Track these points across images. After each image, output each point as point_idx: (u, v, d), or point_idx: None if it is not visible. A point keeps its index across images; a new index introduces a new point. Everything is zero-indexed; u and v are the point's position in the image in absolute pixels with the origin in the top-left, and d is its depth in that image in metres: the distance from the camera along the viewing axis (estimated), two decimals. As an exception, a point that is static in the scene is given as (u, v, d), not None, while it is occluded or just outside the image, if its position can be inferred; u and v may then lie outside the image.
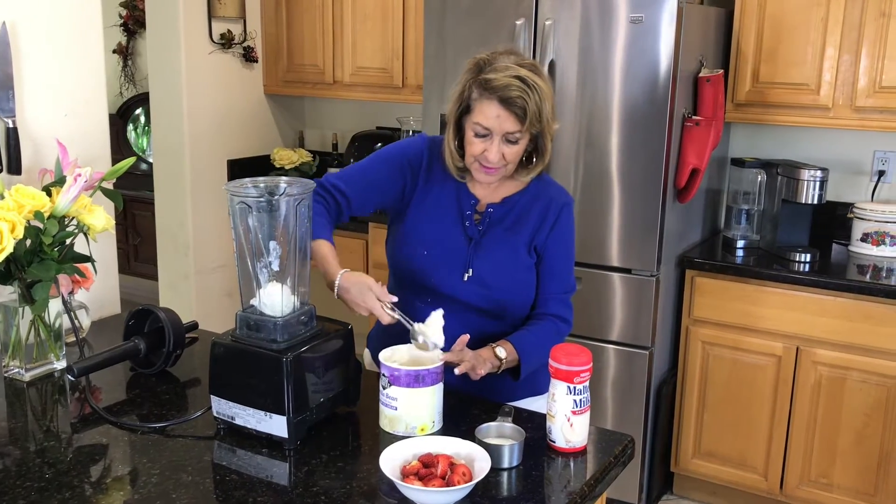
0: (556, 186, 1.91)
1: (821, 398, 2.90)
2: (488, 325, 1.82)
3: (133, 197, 5.11)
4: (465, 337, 1.69)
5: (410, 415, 1.56)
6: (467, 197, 1.85)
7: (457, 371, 1.66)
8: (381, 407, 1.59)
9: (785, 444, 2.98)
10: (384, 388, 1.57)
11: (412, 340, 1.64)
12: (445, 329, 1.69)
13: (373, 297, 1.67)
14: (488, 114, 1.70)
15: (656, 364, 3.03)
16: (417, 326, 1.64)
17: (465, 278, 1.81)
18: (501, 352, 1.75)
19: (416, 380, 1.55)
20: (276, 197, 1.51)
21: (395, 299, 1.68)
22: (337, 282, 1.72)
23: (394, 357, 1.62)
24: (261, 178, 1.56)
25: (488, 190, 1.86)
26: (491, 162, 1.73)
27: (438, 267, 1.82)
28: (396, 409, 1.56)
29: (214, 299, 4.06)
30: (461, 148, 1.80)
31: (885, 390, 2.80)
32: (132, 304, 1.94)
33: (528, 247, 1.83)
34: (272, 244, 1.52)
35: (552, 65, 2.92)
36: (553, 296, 1.87)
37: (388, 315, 1.66)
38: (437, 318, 1.64)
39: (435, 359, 1.60)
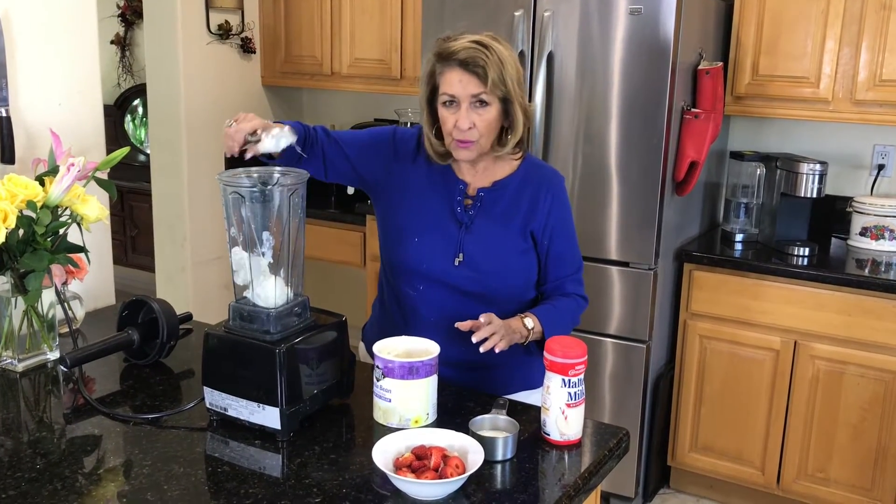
0: (547, 167, 1.92)
1: (818, 392, 2.89)
2: (479, 309, 1.80)
3: (130, 188, 5.10)
4: (490, 315, 1.70)
5: (404, 407, 1.55)
6: (455, 182, 1.85)
7: (486, 347, 1.66)
8: (375, 399, 1.58)
9: (782, 439, 2.98)
10: (378, 381, 1.56)
11: (264, 136, 1.65)
12: (440, 311, 1.77)
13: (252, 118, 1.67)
14: (452, 80, 1.72)
15: (654, 358, 3.02)
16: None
17: (457, 263, 1.81)
18: (529, 322, 1.76)
19: (410, 372, 1.54)
20: (269, 187, 1.50)
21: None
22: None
23: (388, 349, 1.61)
24: (254, 168, 1.55)
25: (478, 175, 1.85)
26: (462, 130, 1.73)
27: (429, 253, 1.82)
28: (390, 401, 1.55)
29: (211, 291, 4.05)
30: (440, 134, 1.80)
31: (883, 385, 2.79)
32: (129, 296, 1.93)
33: (521, 231, 1.83)
34: (265, 235, 1.51)
35: (551, 56, 2.91)
36: (567, 277, 1.88)
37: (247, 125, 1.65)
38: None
39: (431, 352, 1.59)
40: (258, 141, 1.64)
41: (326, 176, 1.89)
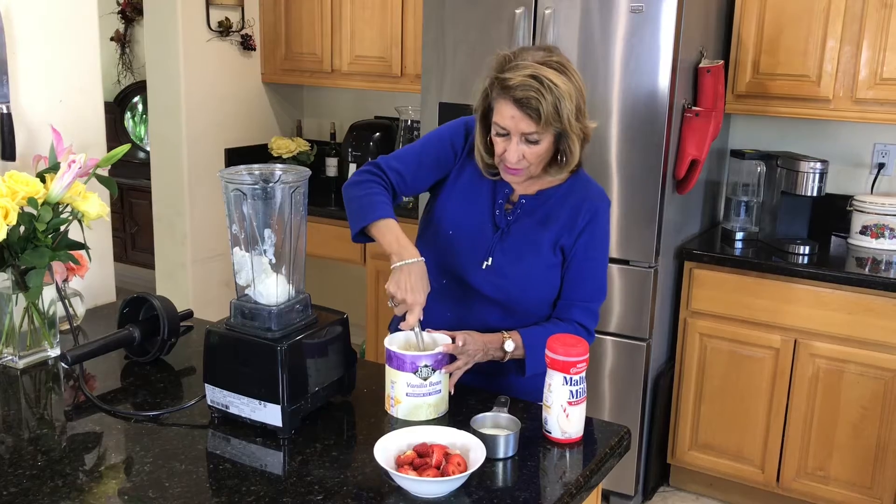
0: (595, 186, 1.85)
1: (818, 391, 2.90)
2: (499, 317, 1.80)
3: (130, 185, 5.10)
4: (466, 337, 1.68)
5: (446, 394, 1.62)
6: (502, 185, 1.82)
7: (449, 370, 1.65)
8: (419, 400, 1.57)
9: (782, 437, 2.98)
10: (426, 379, 1.57)
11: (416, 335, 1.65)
12: (456, 314, 1.79)
13: (423, 296, 1.64)
14: (504, 114, 1.66)
15: (654, 356, 3.02)
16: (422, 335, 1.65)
17: (484, 266, 1.79)
18: (510, 345, 1.73)
19: (446, 359, 1.61)
20: (271, 184, 1.50)
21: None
22: (415, 259, 1.67)
23: (399, 344, 1.63)
24: (256, 166, 1.55)
25: (524, 183, 1.81)
26: (510, 162, 1.70)
27: (460, 249, 1.80)
28: (440, 391, 1.60)
29: (212, 288, 4.05)
30: (491, 145, 1.76)
31: (883, 383, 2.79)
32: (129, 293, 1.93)
33: (553, 244, 1.79)
34: (267, 232, 1.51)
35: (551, 54, 2.90)
36: (576, 302, 1.82)
37: (414, 320, 1.63)
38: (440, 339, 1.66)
39: (439, 344, 1.63)
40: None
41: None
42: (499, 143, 1.71)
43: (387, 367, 1.60)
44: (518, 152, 1.68)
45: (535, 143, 1.68)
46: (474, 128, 1.81)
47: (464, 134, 1.86)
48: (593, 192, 1.83)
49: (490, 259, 1.79)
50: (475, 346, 1.69)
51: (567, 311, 1.82)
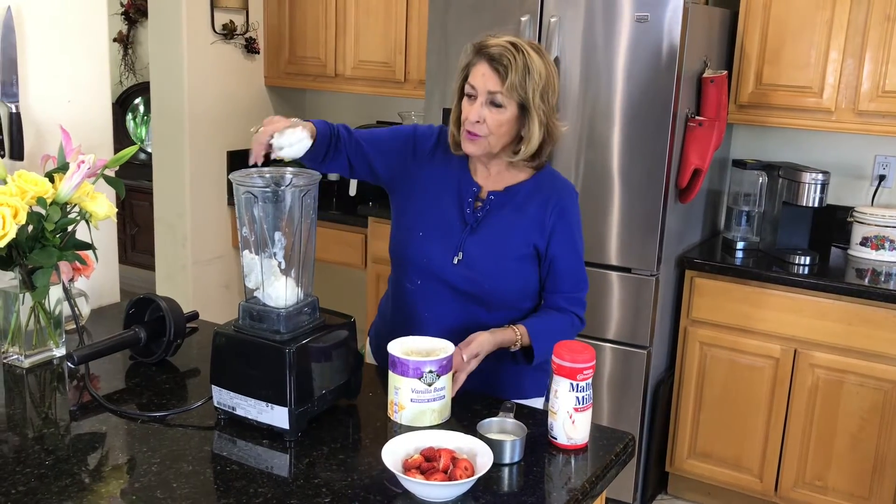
0: (562, 179, 1.91)
1: (817, 401, 2.91)
2: (473, 310, 1.82)
3: (131, 186, 5.08)
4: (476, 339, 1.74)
5: (449, 399, 1.61)
6: (469, 184, 1.86)
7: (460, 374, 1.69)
8: (425, 405, 1.57)
9: (781, 447, 2.99)
10: (430, 384, 1.56)
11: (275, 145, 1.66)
12: (434, 308, 1.81)
13: (281, 123, 1.68)
14: (477, 73, 1.74)
15: (654, 364, 3.03)
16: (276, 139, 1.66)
17: (455, 261, 1.82)
18: (518, 346, 1.80)
19: (450, 364, 1.59)
20: (282, 188, 1.50)
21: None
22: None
23: (413, 350, 1.63)
24: (267, 169, 1.56)
25: (491, 178, 1.86)
26: (470, 120, 1.74)
27: (431, 248, 1.84)
28: (444, 396, 1.59)
29: (212, 290, 4.05)
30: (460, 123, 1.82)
31: (882, 394, 2.80)
32: (129, 294, 1.93)
33: (524, 237, 1.83)
34: (277, 235, 1.51)
35: (556, 62, 2.92)
36: (563, 294, 1.87)
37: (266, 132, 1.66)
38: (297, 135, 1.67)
39: (448, 349, 1.62)
40: (280, 148, 1.65)
41: (351, 174, 1.91)
42: (465, 108, 1.77)
43: (390, 372, 1.59)
44: (479, 113, 1.73)
45: (499, 106, 1.72)
46: (445, 132, 1.89)
47: (436, 139, 1.91)
48: (559, 186, 1.88)
49: (461, 254, 1.82)
50: (487, 348, 1.73)
51: (556, 303, 1.88)
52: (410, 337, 1.66)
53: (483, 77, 1.72)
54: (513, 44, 1.71)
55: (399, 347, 1.62)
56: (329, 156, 1.82)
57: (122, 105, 5.64)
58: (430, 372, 1.56)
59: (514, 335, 1.79)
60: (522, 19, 2.94)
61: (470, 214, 1.84)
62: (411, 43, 3.72)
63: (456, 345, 1.68)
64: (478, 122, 1.73)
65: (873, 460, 2.85)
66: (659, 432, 3.16)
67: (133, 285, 4.76)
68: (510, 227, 1.83)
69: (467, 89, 1.76)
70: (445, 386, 1.59)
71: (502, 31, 1.82)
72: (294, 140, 1.66)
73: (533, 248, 1.83)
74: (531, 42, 1.76)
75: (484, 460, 1.38)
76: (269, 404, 1.50)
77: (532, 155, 1.79)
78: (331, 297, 4.36)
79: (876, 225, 3.06)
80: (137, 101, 5.63)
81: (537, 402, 1.91)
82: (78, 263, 1.87)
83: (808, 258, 2.99)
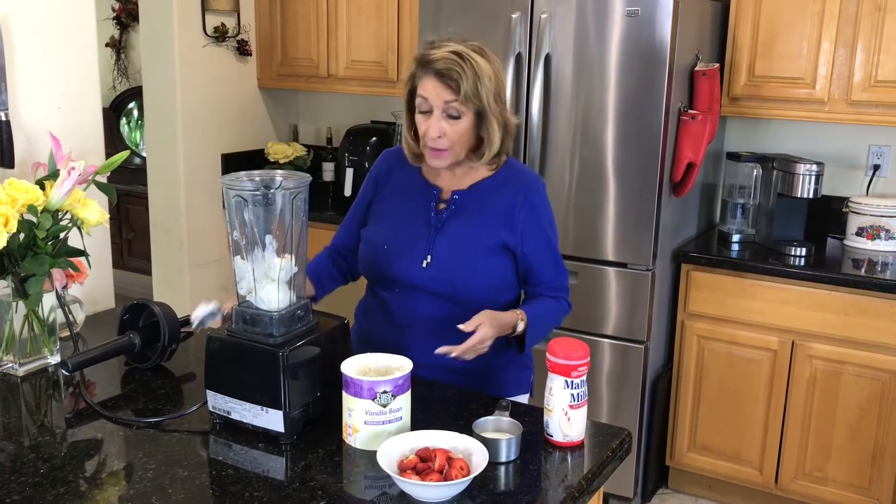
0: (527, 172, 1.92)
1: (816, 392, 2.91)
2: (448, 310, 1.82)
3: (126, 191, 5.09)
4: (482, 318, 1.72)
5: (407, 420, 1.52)
6: (428, 188, 1.88)
7: (450, 352, 1.68)
8: (379, 428, 1.47)
9: (780, 438, 2.99)
10: (385, 406, 1.47)
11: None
12: (412, 314, 1.83)
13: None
14: (427, 86, 1.74)
15: (652, 358, 3.03)
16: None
17: (424, 265, 1.82)
18: (521, 326, 1.79)
19: (407, 383, 1.51)
20: (272, 190, 1.50)
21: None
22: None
23: (367, 368, 1.54)
24: (256, 172, 1.56)
25: (455, 178, 1.86)
26: (431, 136, 1.74)
27: (398, 257, 1.84)
28: (402, 418, 1.50)
29: (209, 294, 4.03)
30: (417, 135, 1.83)
31: (880, 384, 2.80)
32: (126, 299, 1.93)
33: (493, 233, 1.82)
34: (268, 238, 1.51)
35: (548, 58, 2.92)
36: (547, 285, 1.88)
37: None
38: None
39: (405, 368, 1.52)
40: (196, 320, 1.73)
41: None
42: (422, 123, 1.77)
43: (344, 393, 1.49)
44: (439, 128, 1.74)
45: (457, 117, 1.74)
46: (399, 151, 1.92)
47: (389, 161, 1.96)
48: (525, 180, 1.88)
49: (430, 256, 1.82)
50: (491, 332, 1.72)
51: (541, 294, 1.89)
52: (367, 354, 1.57)
53: (435, 90, 1.72)
54: (456, 53, 1.71)
55: (353, 366, 1.51)
56: (339, 279, 2.03)
57: (115, 110, 5.64)
58: (385, 392, 1.46)
59: (515, 317, 1.78)
60: (513, 16, 2.93)
61: (434, 217, 1.84)
62: (403, 42, 3.72)
63: (439, 346, 1.69)
64: (439, 136, 1.74)
65: (872, 450, 2.85)
66: (658, 426, 3.16)
67: (130, 290, 4.77)
68: (477, 223, 1.83)
69: (418, 102, 1.76)
70: (402, 407, 1.49)
71: (448, 34, 1.82)
72: (201, 313, 1.72)
73: (502, 242, 1.83)
74: (472, 44, 1.75)
75: (479, 459, 1.38)
76: (264, 408, 1.50)
77: (494, 154, 1.80)
78: (328, 298, 4.36)
79: (871, 215, 3.06)
80: (131, 105, 5.63)
81: (522, 399, 1.91)
82: (71, 270, 1.87)
83: (803, 249, 2.99)
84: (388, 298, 1.88)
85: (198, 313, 1.72)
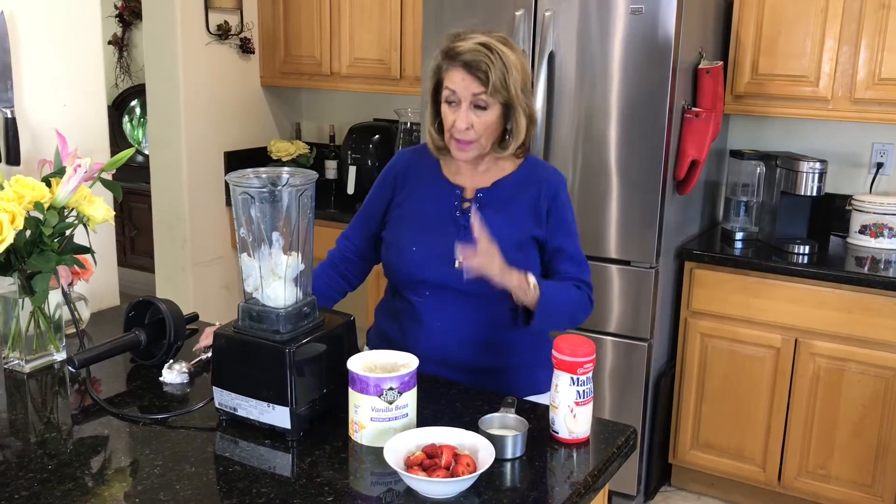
0: (548, 167, 1.92)
1: (819, 390, 2.91)
2: (485, 309, 1.81)
3: (129, 189, 5.09)
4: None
5: (413, 416, 1.53)
6: (451, 188, 1.87)
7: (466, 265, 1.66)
8: (385, 425, 1.48)
9: (783, 436, 2.99)
10: (391, 402, 1.47)
11: None
12: (445, 315, 1.79)
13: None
14: (455, 78, 1.73)
15: (655, 356, 3.03)
16: None
17: (457, 265, 1.79)
18: (532, 279, 1.73)
19: (413, 380, 1.51)
20: (278, 188, 1.50)
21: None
22: None
23: (374, 365, 1.54)
24: (263, 169, 1.56)
25: (478, 175, 1.86)
26: (459, 129, 1.74)
27: (428, 260, 1.83)
28: (408, 415, 1.51)
29: (212, 291, 4.05)
30: (441, 128, 1.82)
31: (883, 382, 2.80)
32: (129, 297, 1.93)
33: (520, 229, 1.82)
34: (275, 235, 1.51)
35: (552, 56, 2.92)
36: (572, 277, 1.85)
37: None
38: None
39: (411, 365, 1.52)
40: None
41: (377, 259, 2.02)
42: (449, 115, 1.76)
43: (350, 390, 1.50)
44: (467, 119, 1.73)
45: (484, 108, 1.73)
46: (417, 150, 1.92)
47: (407, 160, 1.94)
48: (548, 173, 1.88)
49: (461, 256, 1.80)
50: (498, 256, 1.68)
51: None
52: (374, 351, 1.58)
53: (463, 82, 1.72)
54: (484, 44, 1.70)
55: (360, 363, 1.52)
56: (347, 288, 2.02)
57: (118, 108, 5.64)
58: (391, 389, 1.47)
59: (523, 275, 1.72)
60: (517, 14, 2.93)
61: (460, 216, 1.84)
62: (406, 39, 3.72)
63: (471, 348, 1.70)
64: (467, 128, 1.73)
65: (875, 448, 2.86)
66: (661, 424, 3.17)
67: (133, 288, 4.76)
68: (505, 219, 1.82)
69: (446, 94, 1.76)
70: (409, 403, 1.50)
71: (470, 27, 1.81)
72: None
73: (531, 236, 1.83)
74: (497, 35, 1.75)
75: (486, 456, 1.38)
76: (271, 404, 1.50)
77: (519, 145, 1.80)
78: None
79: (874, 213, 3.06)
80: (134, 103, 5.63)
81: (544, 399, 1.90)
82: (77, 267, 1.87)
83: (807, 247, 3.00)
84: (416, 301, 1.84)
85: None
